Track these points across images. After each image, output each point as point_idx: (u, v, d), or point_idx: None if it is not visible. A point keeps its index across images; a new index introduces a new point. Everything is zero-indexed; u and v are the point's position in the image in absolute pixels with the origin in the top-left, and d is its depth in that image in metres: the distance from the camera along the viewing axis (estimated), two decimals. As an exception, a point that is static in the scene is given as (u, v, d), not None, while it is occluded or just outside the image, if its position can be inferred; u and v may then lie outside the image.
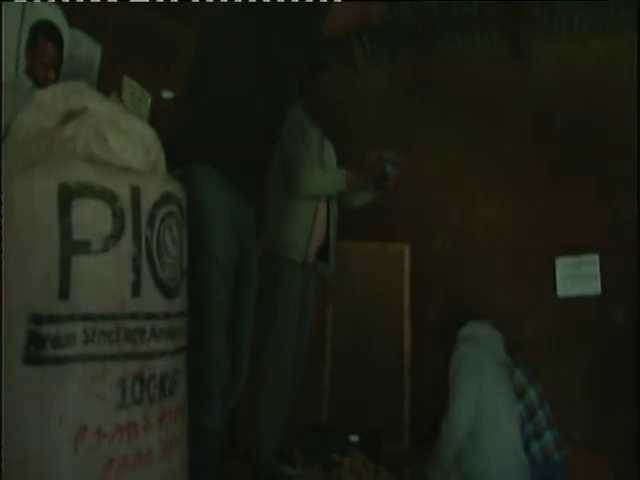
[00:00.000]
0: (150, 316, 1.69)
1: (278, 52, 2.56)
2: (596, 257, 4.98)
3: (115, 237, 1.64)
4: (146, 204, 1.71)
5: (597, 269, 4.95)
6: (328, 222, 3.71)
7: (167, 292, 1.75)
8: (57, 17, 4.02)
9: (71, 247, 1.59)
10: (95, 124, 1.75)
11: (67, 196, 1.60)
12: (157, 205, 1.74)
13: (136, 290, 1.66)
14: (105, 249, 1.62)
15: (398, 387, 4.91)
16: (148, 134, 1.82)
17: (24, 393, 1.54)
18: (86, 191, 1.62)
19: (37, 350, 1.54)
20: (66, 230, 1.59)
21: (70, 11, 4.11)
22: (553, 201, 5.15)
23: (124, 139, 1.76)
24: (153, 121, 4.24)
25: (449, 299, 5.07)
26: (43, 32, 3.59)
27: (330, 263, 3.78)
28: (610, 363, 4.80)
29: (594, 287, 4.95)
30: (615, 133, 5.07)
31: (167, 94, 5.06)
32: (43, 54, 3.52)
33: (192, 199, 2.04)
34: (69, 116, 1.81)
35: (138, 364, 1.65)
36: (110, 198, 1.65)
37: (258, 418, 3.47)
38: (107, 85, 4.16)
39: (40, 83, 3.46)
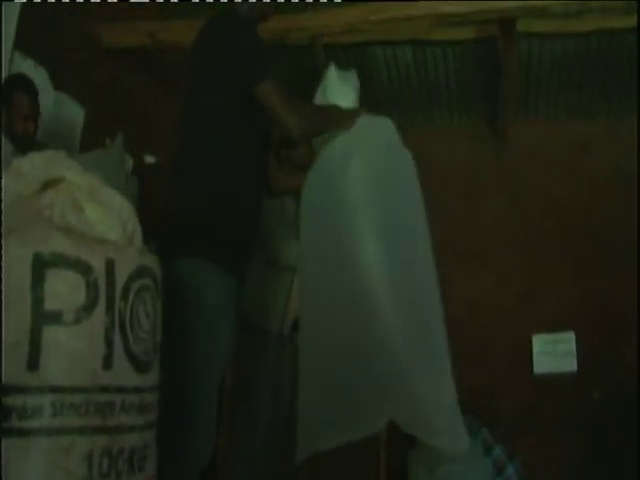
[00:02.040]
0: (121, 390, 1.67)
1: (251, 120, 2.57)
2: (572, 335, 5.02)
3: (88, 309, 1.62)
4: (120, 277, 1.70)
5: (573, 346, 5.00)
6: (305, 293, 3.68)
7: (139, 366, 1.73)
8: (42, 79, 3.98)
9: (43, 317, 1.57)
10: (72, 194, 1.75)
11: (41, 266, 1.59)
12: (131, 278, 1.73)
13: (107, 363, 1.64)
14: (77, 320, 1.60)
15: (374, 461, 4.84)
16: (125, 207, 1.82)
17: (-12, 465, 1.50)
18: (60, 261, 1.61)
19: (2, 421, 1.51)
20: (38, 300, 1.58)
21: (54, 74, 4.11)
22: (528, 279, 5.18)
23: (101, 211, 1.76)
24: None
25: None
26: (17, 86, 3.54)
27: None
28: (588, 440, 4.79)
29: (570, 364, 4.99)
30: (589, 213, 5.14)
31: (149, 159, 5.06)
32: (20, 107, 3.45)
33: (196, 294, 2.22)
34: (47, 185, 1.80)
35: (107, 438, 1.62)
36: (84, 269, 1.63)
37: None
38: (89, 148, 4.16)
39: (19, 137, 3.41)
